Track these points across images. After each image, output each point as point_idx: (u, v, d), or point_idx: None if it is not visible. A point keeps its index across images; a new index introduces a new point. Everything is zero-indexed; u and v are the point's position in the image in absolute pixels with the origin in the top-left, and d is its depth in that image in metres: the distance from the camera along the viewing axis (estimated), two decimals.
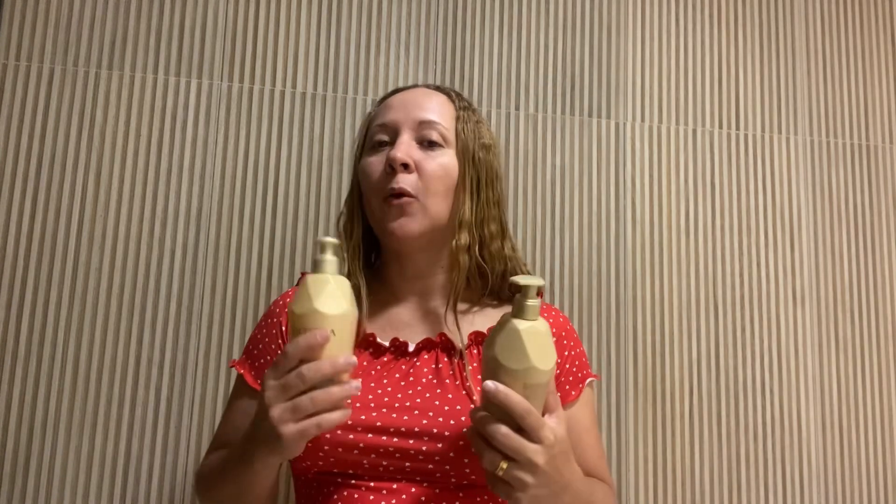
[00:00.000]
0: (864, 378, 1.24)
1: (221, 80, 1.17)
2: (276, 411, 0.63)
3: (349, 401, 0.67)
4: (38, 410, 1.06)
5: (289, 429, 0.62)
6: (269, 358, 0.84)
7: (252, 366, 0.85)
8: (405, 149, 0.80)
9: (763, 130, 1.29)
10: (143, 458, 1.07)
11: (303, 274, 0.66)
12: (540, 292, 0.71)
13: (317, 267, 0.66)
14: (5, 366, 1.07)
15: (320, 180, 1.17)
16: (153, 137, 1.15)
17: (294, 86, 1.19)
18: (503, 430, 0.63)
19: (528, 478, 0.64)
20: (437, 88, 0.89)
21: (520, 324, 0.64)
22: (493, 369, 0.65)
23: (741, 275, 1.24)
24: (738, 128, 1.29)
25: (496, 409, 0.64)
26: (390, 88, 1.20)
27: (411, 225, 0.80)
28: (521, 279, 0.64)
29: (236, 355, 1.11)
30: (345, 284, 0.67)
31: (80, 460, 1.06)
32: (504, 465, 0.63)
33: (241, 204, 1.15)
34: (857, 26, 1.35)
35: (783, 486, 1.19)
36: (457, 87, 1.22)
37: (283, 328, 0.85)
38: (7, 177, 1.11)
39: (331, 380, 0.63)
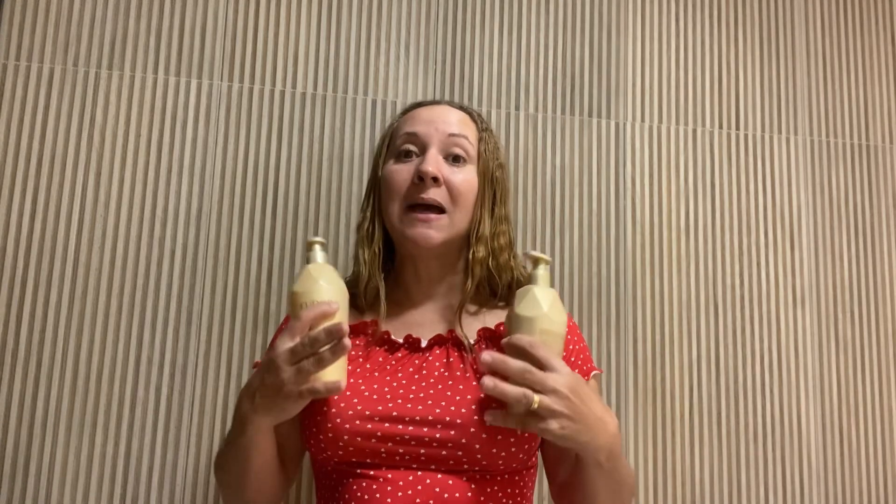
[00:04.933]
0: (864, 378, 1.24)
1: (221, 80, 1.17)
2: (287, 374, 0.70)
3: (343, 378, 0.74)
4: (38, 410, 1.06)
5: (292, 390, 0.70)
6: None
7: None
8: (435, 163, 0.85)
9: (763, 130, 1.29)
10: (143, 458, 1.08)
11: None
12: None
13: (311, 259, 0.78)
14: (5, 366, 1.07)
15: (320, 180, 1.17)
16: (153, 137, 1.15)
17: (294, 86, 1.19)
18: (524, 365, 0.69)
19: (556, 404, 0.68)
20: (461, 108, 0.93)
21: (534, 287, 0.75)
22: (512, 326, 0.74)
23: (741, 275, 1.24)
24: (738, 128, 1.29)
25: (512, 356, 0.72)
26: (390, 88, 1.21)
27: (436, 234, 0.85)
28: (534, 253, 0.77)
29: (236, 355, 1.11)
30: (337, 273, 0.79)
31: (80, 460, 1.06)
32: (536, 400, 0.68)
33: (241, 204, 1.15)
34: (857, 26, 1.35)
35: (783, 486, 1.19)
36: (457, 87, 1.23)
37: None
38: (7, 177, 1.11)
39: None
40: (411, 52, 1.22)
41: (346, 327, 0.70)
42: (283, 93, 1.18)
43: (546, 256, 0.77)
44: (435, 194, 0.84)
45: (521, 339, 0.71)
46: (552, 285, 0.79)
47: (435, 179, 0.84)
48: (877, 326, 1.26)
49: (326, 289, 0.74)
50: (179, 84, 1.16)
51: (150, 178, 1.14)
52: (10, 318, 1.08)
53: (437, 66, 1.23)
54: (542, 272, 0.76)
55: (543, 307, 0.74)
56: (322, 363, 0.69)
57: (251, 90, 1.18)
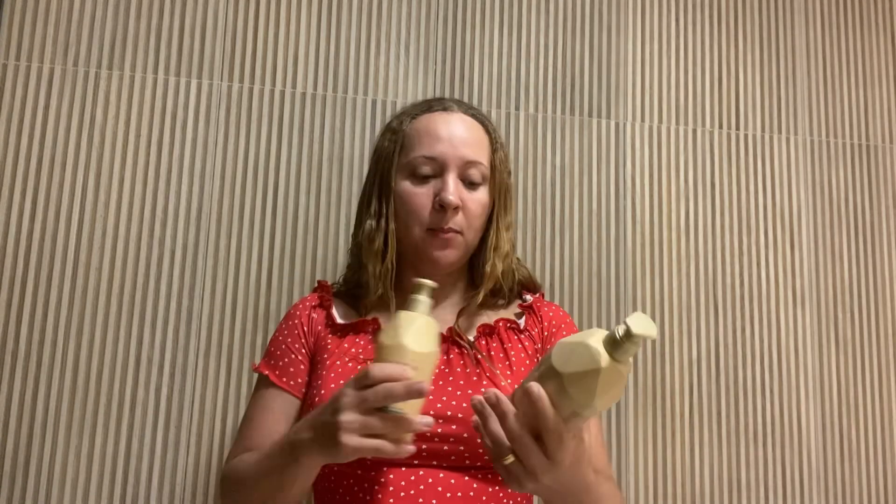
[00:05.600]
0: (864, 378, 1.24)
1: (221, 80, 1.17)
2: (347, 417, 0.64)
3: (412, 440, 0.67)
4: (38, 410, 1.06)
5: (351, 439, 0.64)
6: (292, 357, 0.88)
7: (276, 366, 0.89)
8: (456, 192, 0.86)
9: (763, 130, 1.29)
10: (143, 458, 1.07)
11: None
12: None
13: (410, 305, 0.69)
14: (5, 366, 1.07)
15: (320, 180, 1.17)
16: (153, 137, 1.15)
17: (294, 86, 1.19)
18: (526, 439, 0.61)
19: (527, 481, 0.63)
20: (473, 115, 0.93)
21: (605, 360, 0.59)
22: (544, 374, 0.62)
23: (741, 275, 1.24)
24: (738, 128, 1.29)
25: (527, 408, 0.61)
26: (390, 88, 1.21)
27: (453, 255, 0.87)
28: (634, 321, 0.58)
29: (236, 355, 1.11)
30: (433, 326, 0.70)
31: (80, 460, 1.06)
32: (510, 458, 0.62)
33: (241, 204, 1.15)
34: (857, 26, 1.35)
35: (783, 486, 1.19)
36: (457, 87, 1.23)
37: (305, 328, 0.90)
38: (7, 177, 1.11)
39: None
40: (411, 52, 1.22)
41: (426, 387, 0.63)
42: (283, 93, 1.18)
43: (650, 331, 0.59)
44: (454, 222, 0.86)
45: (546, 414, 0.60)
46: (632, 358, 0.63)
47: (456, 208, 0.86)
48: (877, 326, 1.26)
49: (408, 349, 0.66)
50: (179, 84, 1.16)
51: (150, 178, 1.14)
52: (10, 318, 1.08)
53: (437, 66, 1.23)
54: (630, 346, 0.58)
55: (596, 398, 0.59)
56: (387, 426, 0.64)
57: (251, 90, 1.18)
